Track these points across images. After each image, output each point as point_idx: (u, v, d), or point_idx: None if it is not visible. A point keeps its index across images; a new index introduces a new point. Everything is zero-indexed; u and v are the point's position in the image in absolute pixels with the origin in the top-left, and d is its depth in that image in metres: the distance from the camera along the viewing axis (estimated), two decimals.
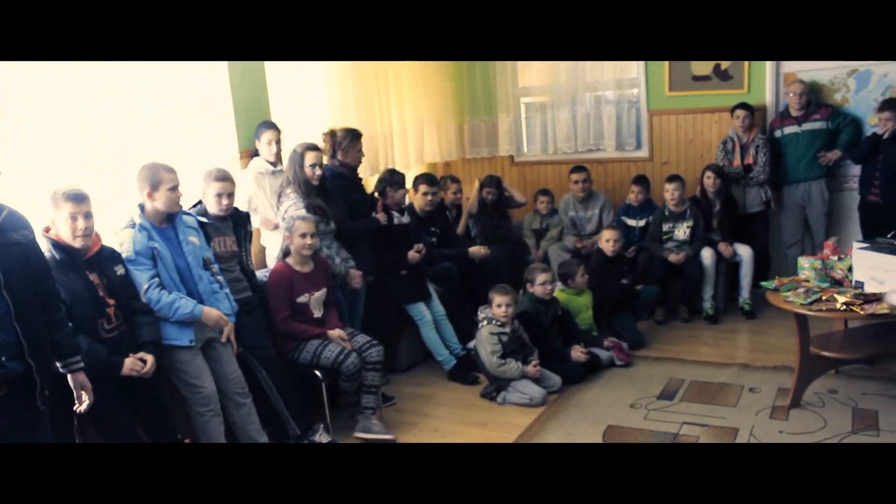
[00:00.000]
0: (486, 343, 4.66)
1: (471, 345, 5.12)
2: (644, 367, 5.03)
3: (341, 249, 4.76)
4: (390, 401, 4.76)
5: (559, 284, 5.36)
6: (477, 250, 5.65)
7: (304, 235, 4.20)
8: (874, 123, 5.89)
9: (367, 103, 5.78)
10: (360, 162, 5.07)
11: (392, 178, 5.19)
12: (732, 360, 5.05)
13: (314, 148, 4.56)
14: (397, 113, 6.24)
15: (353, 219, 4.88)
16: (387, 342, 4.63)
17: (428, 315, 5.14)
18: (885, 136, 5.58)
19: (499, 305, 4.69)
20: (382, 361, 4.37)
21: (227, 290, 3.89)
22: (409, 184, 5.56)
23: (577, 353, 4.91)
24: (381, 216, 5.01)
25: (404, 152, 6.35)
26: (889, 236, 4.51)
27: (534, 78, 7.30)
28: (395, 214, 5.14)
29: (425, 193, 5.47)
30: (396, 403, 4.77)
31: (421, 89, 6.52)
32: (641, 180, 6.33)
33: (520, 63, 7.19)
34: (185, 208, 3.84)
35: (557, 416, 4.39)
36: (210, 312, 3.66)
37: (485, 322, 4.74)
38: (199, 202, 4.10)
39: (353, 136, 4.94)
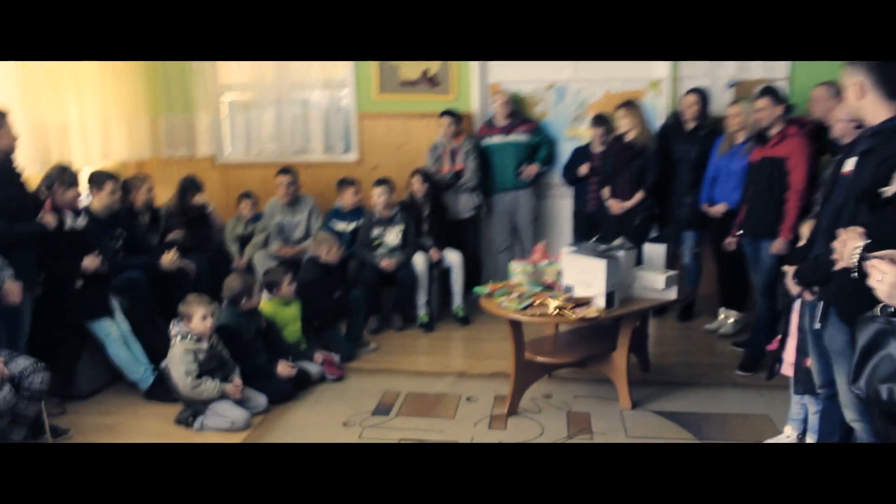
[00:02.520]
0: (179, 362, 4.08)
1: (164, 364, 4.49)
2: (357, 380, 4.71)
3: None
4: (64, 434, 4.00)
5: (265, 294, 4.90)
6: (170, 258, 5.00)
7: None
8: (572, 135, 6.11)
9: (33, 87, 4.91)
10: (14, 146, 4.21)
11: (62, 176, 4.44)
12: (448, 368, 4.90)
13: None
14: (76, 102, 5.40)
15: (10, 221, 4.04)
16: (62, 365, 3.89)
17: (115, 331, 4.47)
18: (597, 150, 5.76)
19: (194, 318, 4.12)
20: (45, 390, 3.63)
21: None
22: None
23: (284, 368, 4.48)
24: (48, 218, 4.23)
25: (85, 148, 5.52)
26: (593, 240, 4.60)
27: (235, 74, 6.77)
28: (69, 217, 4.38)
29: (113, 191, 4.82)
30: (72, 437, 4.01)
31: (107, 78, 5.73)
32: (350, 183, 6.03)
33: None
34: None
35: (262, 441, 3.91)
36: None
37: (178, 338, 4.15)
38: None
39: None
